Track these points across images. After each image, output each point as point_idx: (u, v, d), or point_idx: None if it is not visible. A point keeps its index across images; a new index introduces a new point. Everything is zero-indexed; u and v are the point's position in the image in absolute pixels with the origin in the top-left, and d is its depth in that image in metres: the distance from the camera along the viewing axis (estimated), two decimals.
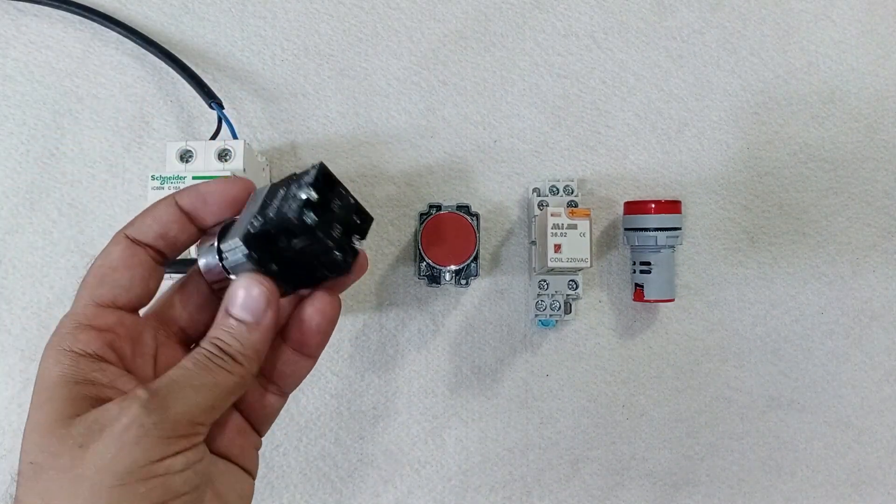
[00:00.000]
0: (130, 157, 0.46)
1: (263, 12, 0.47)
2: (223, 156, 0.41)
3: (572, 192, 0.45)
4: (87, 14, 0.46)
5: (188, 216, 0.28)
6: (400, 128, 0.47)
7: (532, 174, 0.47)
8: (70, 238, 0.46)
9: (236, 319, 0.26)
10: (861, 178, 0.48)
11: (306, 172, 0.25)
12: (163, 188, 0.39)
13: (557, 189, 0.45)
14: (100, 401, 0.25)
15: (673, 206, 0.44)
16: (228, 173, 0.39)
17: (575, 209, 0.42)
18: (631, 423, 0.47)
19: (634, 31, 0.48)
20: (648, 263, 0.44)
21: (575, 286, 0.44)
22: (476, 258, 0.43)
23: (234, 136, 0.43)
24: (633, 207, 0.45)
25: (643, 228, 0.44)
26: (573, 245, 0.41)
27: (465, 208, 0.44)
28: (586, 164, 0.47)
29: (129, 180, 0.46)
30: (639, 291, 0.45)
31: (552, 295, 0.44)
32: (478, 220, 0.44)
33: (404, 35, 0.48)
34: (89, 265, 0.28)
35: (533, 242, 0.45)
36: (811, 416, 0.47)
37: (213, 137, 0.43)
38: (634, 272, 0.45)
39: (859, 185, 0.48)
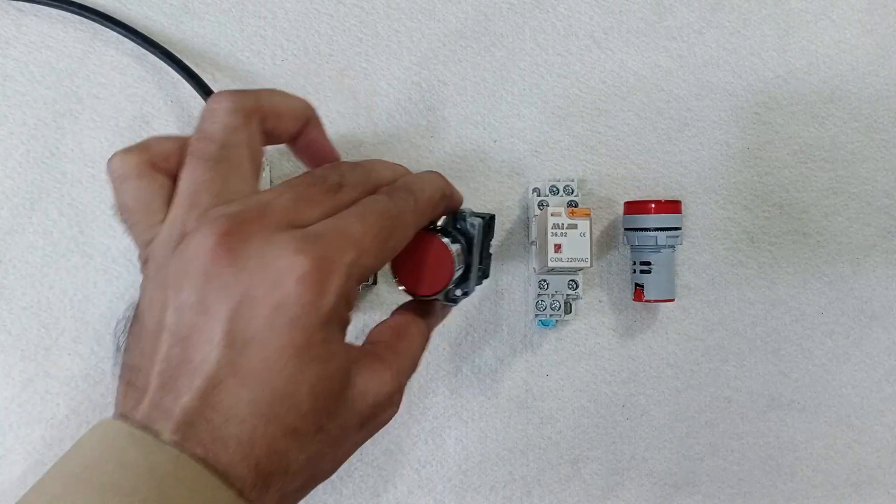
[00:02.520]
0: None
1: (263, 12, 0.47)
2: None
3: (572, 192, 0.45)
4: (87, 14, 0.46)
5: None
6: (400, 128, 0.47)
7: (532, 174, 0.47)
8: (70, 238, 0.46)
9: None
10: (861, 178, 0.48)
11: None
12: None
13: (557, 189, 0.45)
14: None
15: (673, 206, 0.44)
16: None
17: (575, 209, 0.42)
18: (631, 423, 0.47)
19: (634, 30, 0.48)
20: (648, 263, 0.44)
21: (575, 286, 0.44)
22: (487, 260, 0.37)
23: None
24: (634, 207, 0.45)
25: (643, 228, 0.44)
26: (573, 245, 0.41)
27: (457, 217, 0.34)
28: (586, 163, 0.47)
29: None
30: (639, 291, 0.45)
31: (552, 295, 0.44)
32: (490, 222, 0.36)
33: (404, 35, 0.48)
34: (394, 219, 0.28)
35: (533, 242, 0.45)
36: (811, 415, 0.47)
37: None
38: (634, 272, 0.45)
39: (860, 185, 0.48)
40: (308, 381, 0.25)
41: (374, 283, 0.45)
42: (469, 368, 0.46)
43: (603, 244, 0.47)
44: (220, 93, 0.29)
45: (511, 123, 0.47)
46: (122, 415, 0.25)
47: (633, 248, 0.45)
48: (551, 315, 0.44)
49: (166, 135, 0.29)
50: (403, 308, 0.34)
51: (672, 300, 0.45)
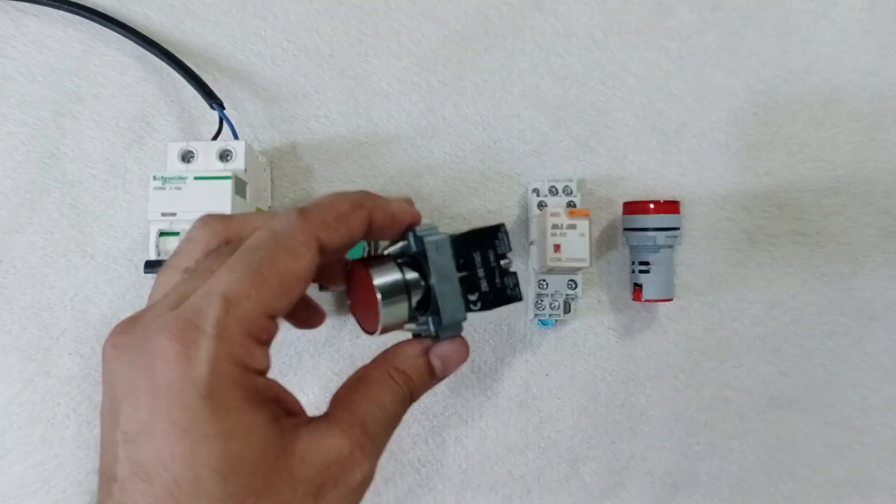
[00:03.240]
0: (131, 158, 0.46)
1: (264, 13, 0.48)
2: (224, 156, 0.41)
3: (571, 193, 0.45)
4: (87, 14, 0.46)
5: (368, 230, 0.28)
6: (400, 128, 0.47)
7: (532, 174, 0.47)
8: (71, 238, 0.46)
9: (434, 364, 0.30)
10: (861, 179, 0.48)
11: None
12: (164, 188, 0.39)
13: (557, 189, 0.45)
14: (283, 418, 0.25)
15: (672, 207, 0.44)
16: (230, 174, 0.39)
17: (574, 209, 0.42)
18: (630, 423, 0.47)
19: (634, 31, 0.48)
20: (647, 263, 0.44)
21: (574, 286, 0.44)
22: (425, 302, 0.30)
23: (235, 137, 0.43)
24: (633, 207, 0.45)
25: (642, 228, 0.44)
26: (572, 245, 0.41)
27: (416, 237, 0.29)
28: (586, 164, 0.47)
29: (130, 181, 0.46)
30: (638, 291, 0.45)
31: (552, 295, 0.44)
32: (498, 231, 0.30)
33: (404, 35, 0.48)
34: (258, 247, 0.25)
35: (532, 242, 0.45)
36: (811, 415, 0.47)
37: (215, 138, 0.43)
38: (633, 272, 0.45)
39: (859, 186, 0.48)
40: (207, 462, 0.22)
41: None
42: (469, 368, 0.46)
43: (602, 244, 0.47)
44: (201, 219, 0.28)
45: (511, 124, 0.47)
46: None
47: (632, 248, 0.45)
48: (551, 315, 0.44)
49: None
50: (382, 355, 0.30)
51: (671, 300, 0.45)
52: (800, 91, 0.48)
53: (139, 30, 0.46)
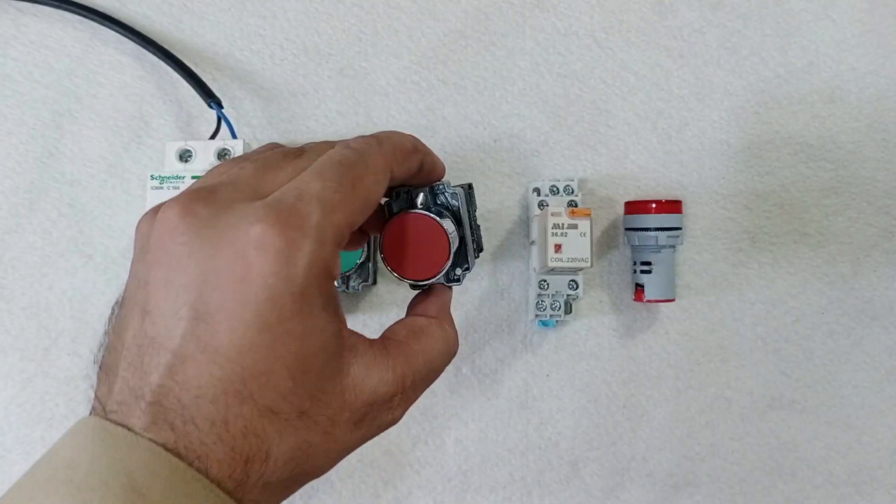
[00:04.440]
0: (129, 157, 0.46)
1: (263, 11, 0.47)
2: (223, 155, 0.41)
3: (572, 192, 0.45)
4: (86, 14, 0.46)
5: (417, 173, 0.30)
6: (400, 127, 0.47)
7: (532, 174, 0.47)
8: (69, 238, 0.46)
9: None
10: (862, 178, 0.48)
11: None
12: (162, 188, 0.39)
13: (558, 189, 0.45)
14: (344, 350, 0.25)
15: (673, 206, 0.44)
16: None
17: (575, 209, 0.42)
18: (631, 424, 0.47)
19: (635, 30, 0.48)
20: (649, 263, 0.44)
21: (575, 286, 0.44)
22: (476, 232, 0.35)
23: (234, 136, 0.43)
24: (634, 207, 0.45)
25: (644, 228, 0.44)
26: (573, 245, 0.41)
27: (435, 191, 0.32)
28: (587, 163, 0.47)
29: (128, 180, 0.46)
30: (639, 291, 0.44)
31: (552, 295, 0.44)
32: (469, 190, 0.35)
33: (404, 34, 0.48)
34: (346, 162, 0.25)
35: (533, 242, 0.45)
36: (812, 416, 0.47)
37: (213, 137, 0.43)
38: (635, 272, 0.45)
39: (860, 185, 0.48)
40: (283, 358, 0.23)
41: (374, 283, 0.45)
42: (469, 368, 0.46)
43: (603, 244, 0.47)
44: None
45: (511, 123, 0.47)
46: (96, 406, 0.23)
47: (634, 248, 0.45)
48: (551, 315, 0.44)
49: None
50: (421, 307, 0.31)
51: (672, 300, 0.45)
52: (801, 90, 0.48)
53: (138, 29, 0.46)
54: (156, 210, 0.25)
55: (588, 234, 0.41)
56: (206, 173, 0.26)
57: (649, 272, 0.44)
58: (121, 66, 0.47)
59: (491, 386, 0.46)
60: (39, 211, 0.46)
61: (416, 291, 0.32)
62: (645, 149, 0.47)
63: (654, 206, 0.44)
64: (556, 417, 0.46)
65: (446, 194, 0.31)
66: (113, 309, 0.26)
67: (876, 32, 0.48)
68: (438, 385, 0.46)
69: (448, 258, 0.30)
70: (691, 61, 0.48)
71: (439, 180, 0.31)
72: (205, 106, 0.45)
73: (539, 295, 0.44)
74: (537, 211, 0.45)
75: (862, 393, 0.47)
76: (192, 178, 0.39)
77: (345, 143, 0.27)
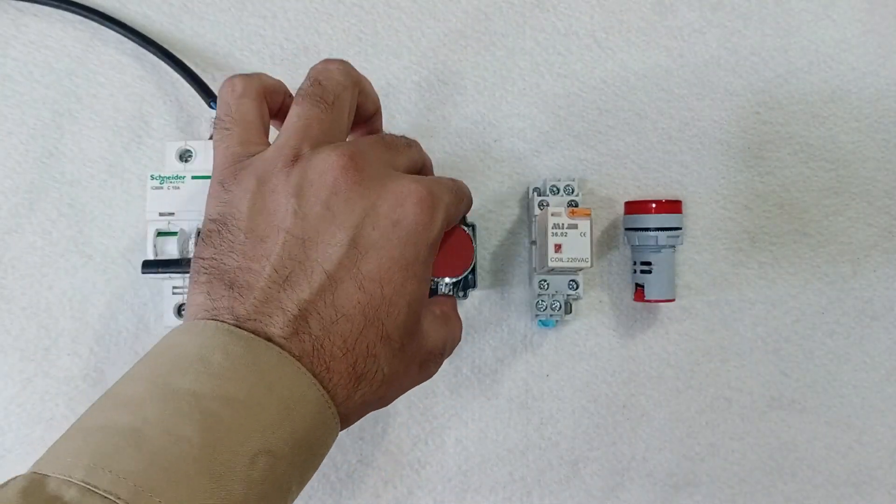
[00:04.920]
0: (130, 157, 0.46)
1: (263, 11, 0.47)
2: None
3: (573, 192, 0.45)
4: (86, 14, 0.46)
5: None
6: (400, 127, 0.47)
7: (532, 174, 0.47)
8: (69, 238, 0.46)
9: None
10: (862, 178, 0.48)
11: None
12: (162, 188, 0.39)
13: (558, 189, 0.45)
14: None
15: (674, 206, 0.44)
16: None
17: (575, 209, 0.41)
18: (631, 424, 0.47)
19: (635, 30, 0.48)
20: (649, 263, 0.44)
21: (575, 286, 0.44)
22: (473, 271, 0.43)
23: None
24: (634, 207, 0.45)
25: (644, 228, 0.44)
26: (574, 245, 0.40)
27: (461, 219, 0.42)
28: (587, 163, 0.47)
29: (128, 180, 0.46)
30: (639, 291, 0.44)
31: (552, 295, 0.44)
32: (474, 230, 0.42)
33: (404, 34, 0.48)
34: (455, 187, 0.33)
35: (533, 242, 0.45)
36: (812, 416, 0.47)
37: (212, 137, 0.43)
38: (635, 272, 0.45)
39: (860, 185, 0.48)
40: (407, 294, 0.28)
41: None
42: (469, 368, 0.46)
43: (603, 244, 0.47)
44: (333, 59, 0.32)
45: (511, 123, 0.47)
46: (217, 315, 0.26)
47: (634, 248, 0.45)
48: (551, 315, 0.44)
49: (270, 75, 0.33)
50: (439, 299, 0.37)
51: (672, 300, 0.45)
52: (801, 90, 0.48)
53: (138, 29, 0.46)
54: (286, 154, 0.28)
55: (588, 234, 0.41)
56: (344, 142, 0.30)
57: (649, 272, 0.44)
58: (121, 66, 0.47)
59: (491, 386, 0.46)
60: (39, 211, 0.46)
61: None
62: (645, 149, 0.47)
63: (654, 206, 0.43)
64: (556, 417, 0.46)
65: (467, 227, 0.38)
66: (203, 234, 0.28)
67: (876, 32, 0.48)
68: (438, 385, 0.46)
69: (471, 262, 0.36)
70: (691, 61, 0.48)
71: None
72: (205, 106, 0.45)
73: (539, 295, 0.44)
74: (537, 211, 0.45)
75: (862, 393, 0.47)
76: (193, 177, 0.39)
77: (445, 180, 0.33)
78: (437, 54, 0.48)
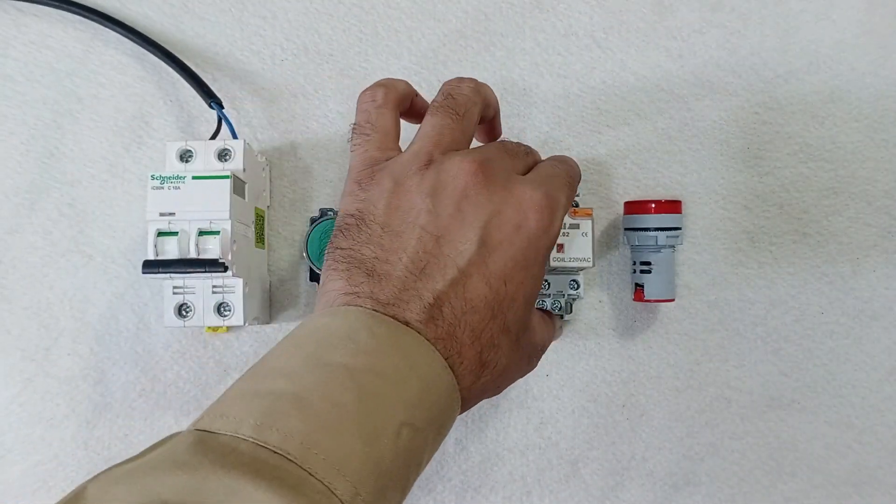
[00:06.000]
0: (130, 157, 0.46)
1: (263, 12, 0.47)
2: (223, 155, 0.41)
3: None
4: (87, 14, 0.46)
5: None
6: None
7: None
8: (70, 238, 0.46)
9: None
10: (862, 178, 0.48)
11: None
12: (163, 188, 0.39)
13: None
14: None
15: (673, 206, 0.44)
16: (228, 173, 0.39)
17: (577, 209, 0.42)
18: (631, 424, 0.47)
19: (635, 30, 0.48)
20: (649, 263, 0.44)
21: (576, 286, 0.44)
22: None
23: (234, 136, 0.43)
24: (634, 207, 0.45)
25: (643, 228, 0.44)
26: (575, 245, 0.41)
27: None
28: (586, 163, 0.47)
29: (129, 180, 0.46)
30: (639, 291, 0.45)
31: (553, 295, 0.44)
32: None
33: (404, 34, 0.48)
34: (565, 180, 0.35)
35: None
36: (812, 416, 0.47)
37: (213, 137, 0.43)
38: (634, 272, 0.45)
39: (860, 185, 0.48)
40: (525, 291, 0.30)
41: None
42: None
43: (603, 244, 0.47)
44: (465, 77, 0.35)
45: (511, 123, 0.47)
46: (358, 301, 0.28)
47: (634, 248, 0.45)
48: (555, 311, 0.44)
49: (402, 82, 0.36)
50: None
51: (672, 300, 0.45)
52: (800, 90, 0.48)
53: (139, 29, 0.46)
54: (420, 158, 0.32)
55: (590, 235, 0.41)
56: (472, 150, 0.33)
57: (649, 272, 0.44)
58: (121, 67, 0.47)
59: None
60: (40, 211, 0.46)
61: None
62: (644, 149, 0.48)
63: (653, 206, 0.44)
64: (556, 417, 0.46)
65: None
66: (340, 226, 0.32)
67: (876, 32, 0.49)
68: None
69: None
70: (691, 61, 0.48)
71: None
72: (205, 106, 0.45)
73: (540, 295, 0.44)
74: None
75: (861, 393, 0.47)
76: (193, 178, 0.39)
77: (548, 161, 0.36)
78: (437, 55, 0.48)
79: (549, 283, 0.44)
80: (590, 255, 0.41)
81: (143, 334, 0.46)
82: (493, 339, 0.29)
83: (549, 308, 0.44)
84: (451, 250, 0.29)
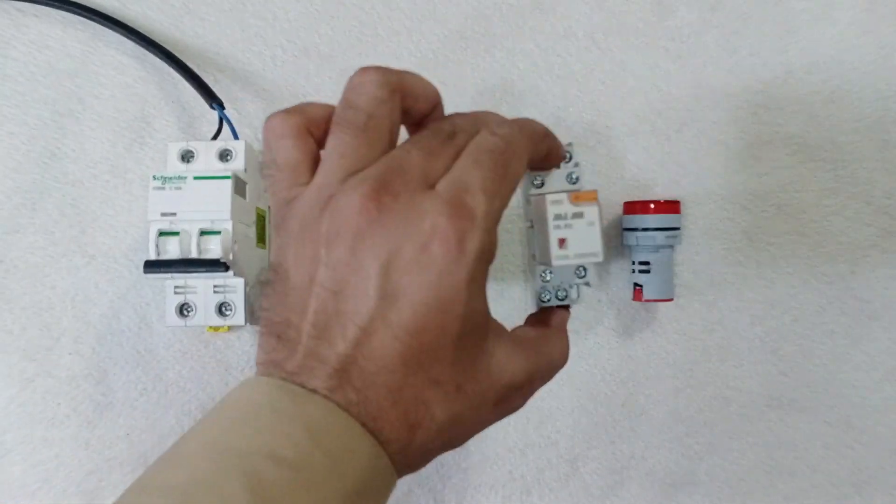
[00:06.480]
0: (132, 158, 0.46)
1: (264, 13, 0.48)
2: (224, 156, 0.41)
3: (569, 159, 0.38)
4: (87, 14, 0.46)
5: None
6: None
7: (531, 174, 0.47)
8: (71, 238, 0.46)
9: None
10: (861, 178, 0.48)
11: None
12: (164, 188, 0.39)
13: None
14: None
15: (672, 206, 0.44)
16: (230, 173, 0.39)
17: (580, 193, 0.35)
18: (630, 423, 0.47)
19: (634, 31, 0.48)
20: (648, 263, 0.44)
21: (583, 272, 0.38)
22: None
23: (236, 137, 0.43)
24: (633, 207, 0.45)
25: (642, 228, 0.44)
26: (581, 237, 0.34)
27: None
28: (586, 163, 0.47)
29: (130, 181, 0.46)
30: (638, 291, 0.45)
31: (557, 286, 0.39)
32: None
33: (404, 36, 0.48)
34: (501, 154, 0.28)
35: (531, 226, 0.39)
36: (811, 415, 0.47)
37: (215, 138, 0.43)
38: (633, 272, 0.45)
39: (859, 185, 0.48)
40: (451, 335, 0.26)
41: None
42: None
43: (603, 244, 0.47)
44: (367, 67, 0.30)
45: None
46: (270, 370, 0.26)
47: (633, 248, 0.45)
48: (559, 303, 0.39)
49: (317, 102, 0.31)
50: (543, 317, 0.35)
51: (671, 300, 0.45)
52: (799, 91, 0.48)
53: (139, 30, 0.46)
54: (322, 195, 0.27)
55: (597, 223, 0.34)
56: (378, 162, 0.28)
57: (648, 272, 0.44)
58: (122, 67, 0.47)
59: None
60: (41, 211, 0.46)
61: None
62: (644, 149, 0.48)
63: (652, 206, 0.44)
64: (556, 416, 0.46)
65: None
66: (261, 282, 0.29)
67: (876, 32, 0.49)
68: None
69: None
70: (690, 62, 0.48)
71: (558, 164, 0.34)
72: (206, 107, 0.45)
73: (542, 287, 0.39)
74: (532, 189, 0.38)
75: (861, 393, 0.47)
76: (195, 178, 0.39)
77: (490, 129, 0.29)
78: (436, 56, 0.48)
79: (549, 274, 0.39)
80: (598, 248, 0.34)
81: (145, 334, 0.46)
82: (418, 396, 0.25)
83: (549, 301, 0.38)
84: (350, 307, 0.25)
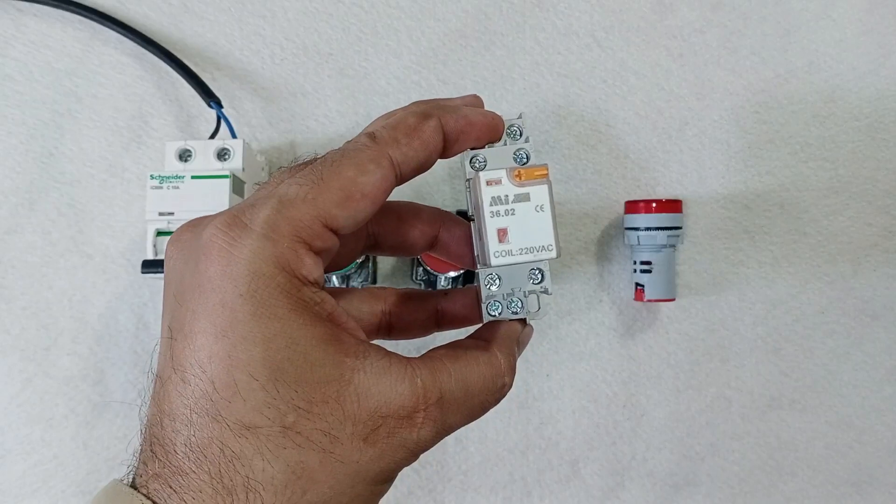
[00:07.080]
0: (129, 157, 0.46)
1: (262, 11, 0.47)
2: (222, 155, 0.41)
3: (519, 135, 0.29)
4: (86, 14, 0.46)
5: (444, 141, 0.26)
6: None
7: None
8: (69, 238, 0.46)
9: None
10: (862, 178, 0.48)
11: None
12: (162, 187, 0.39)
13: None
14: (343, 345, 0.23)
15: (674, 206, 0.44)
16: (228, 172, 0.39)
17: (524, 170, 0.27)
18: (631, 424, 0.47)
19: (635, 29, 0.48)
20: (649, 263, 0.44)
21: (538, 277, 0.28)
22: None
23: (233, 136, 0.43)
24: (634, 206, 0.45)
25: (644, 228, 0.44)
26: (526, 227, 0.26)
27: (463, 213, 0.41)
28: (587, 163, 0.47)
29: (128, 180, 0.46)
30: (639, 291, 0.44)
31: (507, 295, 0.28)
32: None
33: (404, 34, 0.48)
34: (326, 160, 0.23)
35: (471, 218, 0.29)
36: (812, 416, 0.47)
37: (212, 136, 0.43)
38: (635, 272, 0.45)
39: (860, 185, 0.48)
40: (246, 365, 0.20)
41: (374, 282, 0.45)
42: None
43: (604, 243, 0.47)
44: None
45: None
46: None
47: (634, 248, 0.45)
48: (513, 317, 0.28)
49: None
50: (479, 332, 0.28)
51: (673, 300, 0.45)
52: (801, 90, 0.48)
53: (138, 29, 0.46)
54: None
55: (548, 207, 0.26)
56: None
57: (649, 272, 0.44)
58: (121, 66, 0.47)
59: None
60: (39, 211, 0.46)
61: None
62: (645, 148, 0.47)
63: (654, 205, 0.44)
64: (556, 417, 0.46)
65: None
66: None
67: (876, 32, 0.48)
68: None
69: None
70: (691, 61, 0.48)
71: (495, 140, 0.27)
72: (204, 105, 0.45)
73: (489, 296, 0.28)
74: (470, 171, 0.28)
75: (862, 393, 0.47)
76: (192, 177, 0.39)
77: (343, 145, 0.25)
78: (437, 54, 0.48)
79: (499, 278, 0.28)
80: (551, 240, 0.26)
81: (143, 334, 0.45)
82: (223, 449, 0.20)
83: (501, 314, 0.28)
84: (157, 359, 0.24)
